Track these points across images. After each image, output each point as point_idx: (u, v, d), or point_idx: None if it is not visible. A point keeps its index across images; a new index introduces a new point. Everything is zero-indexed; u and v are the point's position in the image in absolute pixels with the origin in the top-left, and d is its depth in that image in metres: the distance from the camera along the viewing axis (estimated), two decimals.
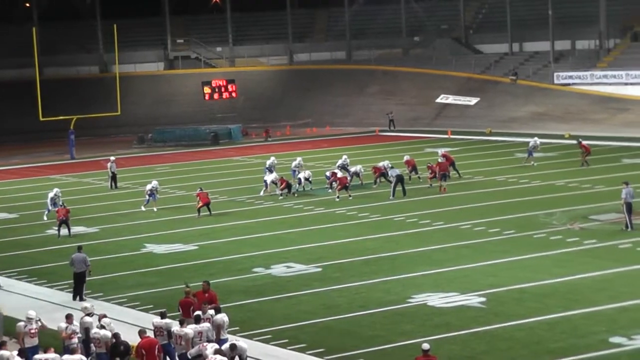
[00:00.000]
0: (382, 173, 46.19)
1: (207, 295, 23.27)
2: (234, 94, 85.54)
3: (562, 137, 63.51)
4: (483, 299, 25.94)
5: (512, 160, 54.11)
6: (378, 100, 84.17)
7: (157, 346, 20.25)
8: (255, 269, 30.84)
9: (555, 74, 77.55)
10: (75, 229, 39.09)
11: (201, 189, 42.01)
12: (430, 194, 43.68)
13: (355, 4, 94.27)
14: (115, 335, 20.79)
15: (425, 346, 18.66)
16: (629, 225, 33.60)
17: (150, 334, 21.01)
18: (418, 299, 26.35)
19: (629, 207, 33.72)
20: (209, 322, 21.27)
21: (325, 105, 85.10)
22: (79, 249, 29.15)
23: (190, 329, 20.83)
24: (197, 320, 21.31)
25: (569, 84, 76.50)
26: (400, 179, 43.29)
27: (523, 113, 75.31)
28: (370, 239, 34.64)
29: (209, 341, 20.61)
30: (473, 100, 79.53)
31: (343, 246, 33.79)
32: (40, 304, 27.75)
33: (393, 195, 42.92)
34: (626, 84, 72.97)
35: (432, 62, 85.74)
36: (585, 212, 37.35)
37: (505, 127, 71.00)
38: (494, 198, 41.95)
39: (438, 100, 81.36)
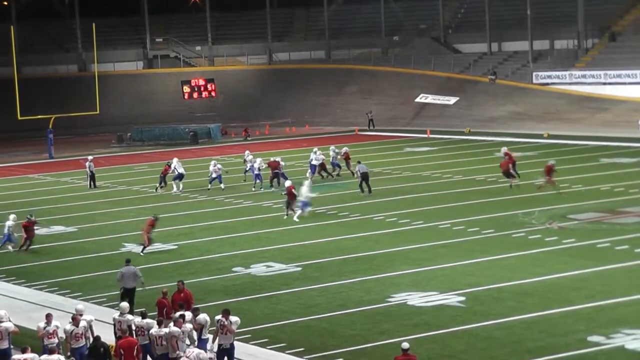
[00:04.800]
0: (324, 167, 49.46)
1: (182, 295, 23.17)
2: (213, 93, 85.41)
3: (540, 136, 63.72)
4: (462, 298, 26.00)
5: (491, 159, 54.16)
6: (357, 99, 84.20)
7: (136, 346, 20.18)
8: (235, 269, 30.81)
9: (534, 73, 77.79)
10: (54, 229, 38.98)
11: (29, 218, 35.88)
12: (409, 193, 43.74)
13: (334, 4, 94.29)
14: (96, 338, 20.66)
15: (405, 345, 18.66)
16: None
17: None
18: (397, 298, 26.38)
19: None
20: (191, 322, 21.21)
21: (304, 104, 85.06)
22: (128, 262, 26.27)
23: (169, 329, 20.74)
24: (176, 320, 21.23)
25: (547, 84, 76.75)
26: (365, 177, 43.64)
27: (502, 113, 75.51)
28: (350, 239, 34.64)
29: (190, 341, 20.66)
30: (452, 100, 79.64)
31: (322, 245, 33.79)
32: (18, 304, 27.62)
33: (362, 192, 43.56)
34: (604, 83, 73.26)
35: (411, 62, 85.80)
36: (563, 212, 37.50)
37: (484, 126, 71.16)
38: (473, 197, 42.04)
39: (417, 99, 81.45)
